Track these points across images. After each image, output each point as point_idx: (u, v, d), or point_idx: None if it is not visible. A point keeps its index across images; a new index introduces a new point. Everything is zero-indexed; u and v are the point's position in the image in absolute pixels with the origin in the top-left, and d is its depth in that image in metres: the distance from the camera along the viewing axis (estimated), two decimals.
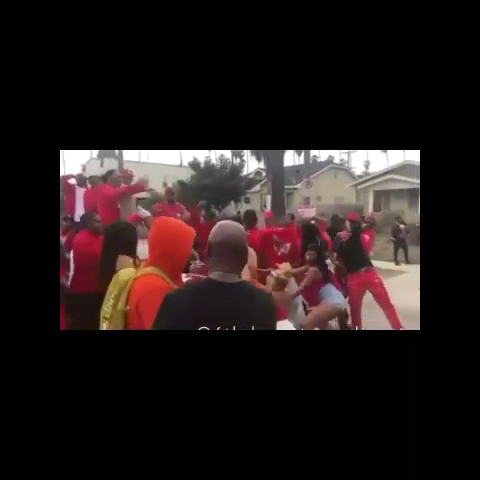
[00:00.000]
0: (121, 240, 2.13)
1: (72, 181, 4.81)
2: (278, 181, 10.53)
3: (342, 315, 3.80)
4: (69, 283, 3.12)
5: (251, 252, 2.77)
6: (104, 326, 1.45)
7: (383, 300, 3.86)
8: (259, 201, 21.21)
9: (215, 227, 1.23)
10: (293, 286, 3.37)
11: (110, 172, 4.46)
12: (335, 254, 4.16)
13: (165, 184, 5.44)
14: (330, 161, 30.44)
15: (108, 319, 1.43)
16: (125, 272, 1.49)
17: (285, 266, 3.02)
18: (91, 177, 4.75)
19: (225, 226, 1.22)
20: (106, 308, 1.45)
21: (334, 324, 3.95)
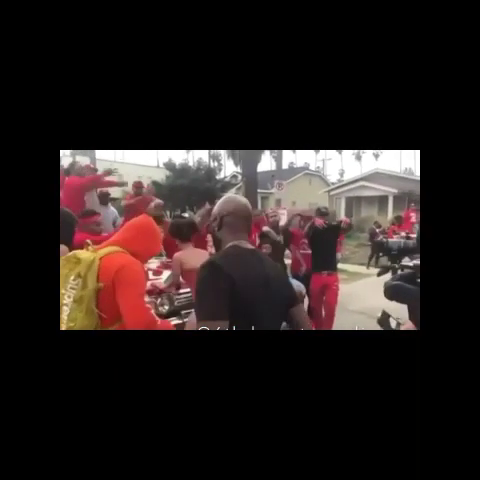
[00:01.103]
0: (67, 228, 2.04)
1: None
2: (252, 184, 10.64)
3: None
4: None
5: (189, 254, 2.76)
6: (67, 308, 1.40)
7: (330, 308, 3.89)
8: None
9: (224, 200, 1.32)
10: None
11: (72, 164, 4.37)
12: (306, 241, 4.16)
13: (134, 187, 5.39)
14: (305, 167, 31.03)
15: (77, 301, 1.40)
16: (84, 252, 1.48)
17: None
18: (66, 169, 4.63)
19: (234, 198, 1.33)
20: (65, 291, 1.41)
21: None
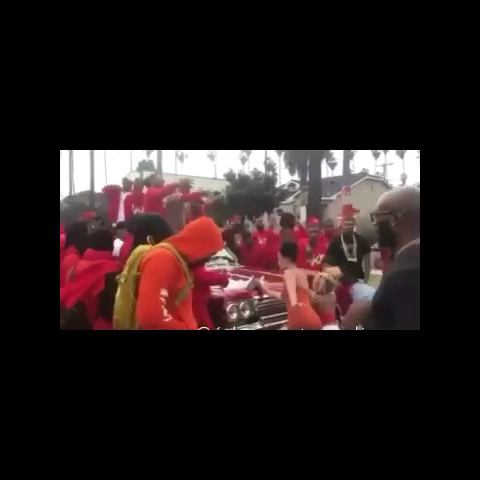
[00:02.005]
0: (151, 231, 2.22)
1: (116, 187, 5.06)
2: (315, 192, 10.50)
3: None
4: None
5: (300, 273, 2.77)
6: (118, 290, 1.63)
7: None
8: (292, 213, 21.06)
9: (404, 193, 1.25)
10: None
11: (152, 176, 4.67)
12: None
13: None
14: (365, 173, 29.86)
15: (122, 284, 1.60)
16: (140, 247, 1.68)
17: (335, 270, 3.01)
18: (136, 179, 5.00)
19: (413, 190, 1.26)
20: (121, 274, 1.65)
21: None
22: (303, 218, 11.34)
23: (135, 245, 2.41)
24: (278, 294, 2.79)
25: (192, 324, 1.63)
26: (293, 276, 2.64)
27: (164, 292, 1.48)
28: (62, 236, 3.22)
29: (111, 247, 2.27)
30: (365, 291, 3.46)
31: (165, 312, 1.47)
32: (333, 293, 3.00)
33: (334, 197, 21.12)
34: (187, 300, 1.64)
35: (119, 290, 1.62)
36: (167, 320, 1.47)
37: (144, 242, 1.93)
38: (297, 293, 2.66)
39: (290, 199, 21.22)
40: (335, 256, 4.01)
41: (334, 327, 2.93)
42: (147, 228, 2.16)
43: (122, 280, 1.60)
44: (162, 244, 1.63)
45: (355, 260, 3.99)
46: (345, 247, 4.01)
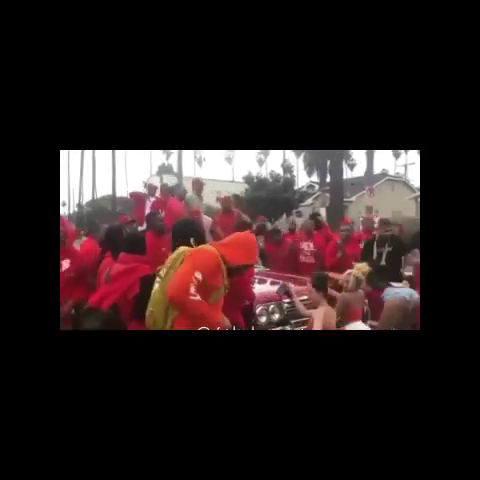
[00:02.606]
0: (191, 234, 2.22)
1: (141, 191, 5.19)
2: (337, 193, 10.37)
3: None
4: None
5: (329, 312, 2.67)
6: (156, 285, 1.65)
7: None
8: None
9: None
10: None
11: (178, 186, 4.76)
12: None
13: (218, 199, 5.66)
14: (385, 174, 29.31)
15: (161, 278, 1.64)
16: (183, 247, 1.72)
17: (363, 266, 2.97)
18: (163, 184, 5.10)
19: None
20: (161, 269, 1.68)
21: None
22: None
23: (173, 246, 2.46)
24: (307, 312, 2.73)
25: (218, 316, 1.64)
26: (321, 316, 2.52)
27: (198, 274, 1.51)
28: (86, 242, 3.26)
29: (144, 251, 2.29)
30: (395, 289, 3.39)
31: (193, 290, 1.49)
32: (361, 291, 2.96)
33: (354, 198, 20.80)
34: (219, 302, 1.67)
35: (157, 284, 1.66)
36: (193, 298, 1.48)
37: (181, 244, 1.95)
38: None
39: (309, 201, 21.05)
40: (366, 260, 3.93)
41: (359, 324, 2.87)
42: (186, 230, 2.20)
43: (162, 273, 1.64)
44: (206, 245, 1.74)
45: (384, 264, 3.90)
46: (375, 251, 3.92)
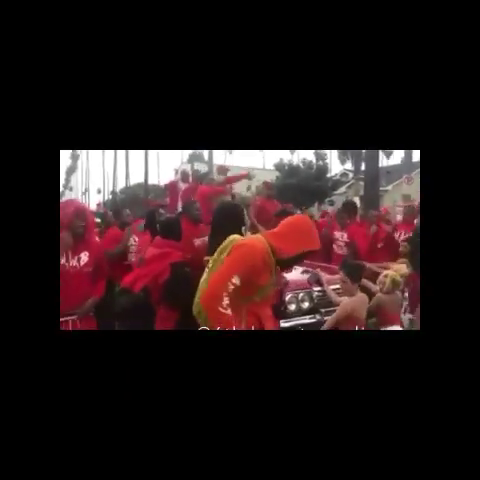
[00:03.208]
0: (234, 219, 2.17)
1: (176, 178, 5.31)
2: (373, 182, 9.99)
3: None
4: None
5: (358, 304, 2.54)
6: (204, 275, 1.60)
7: None
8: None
9: None
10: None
11: (206, 174, 4.84)
12: None
13: (249, 187, 5.65)
14: None
15: (209, 268, 1.58)
16: (234, 235, 1.63)
17: (401, 267, 2.80)
18: (194, 171, 5.18)
19: None
20: (210, 259, 1.63)
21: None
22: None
23: (213, 232, 2.37)
24: (338, 299, 2.64)
25: (268, 323, 1.56)
26: (347, 308, 2.38)
27: (236, 280, 1.42)
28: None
29: (179, 237, 2.31)
30: None
31: (225, 301, 1.40)
32: (398, 293, 2.80)
33: (390, 187, 20.02)
34: (268, 299, 1.60)
35: (205, 274, 1.60)
36: (223, 310, 1.38)
37: (223, 230, 1.89)
38: (348, 322, 2.40)
39: (342, 189, 20.53)
40: (413, 246, 3.69)
41: (396, 329, 2.72)
42: (231, 216, 2.18)
43: (210, 264, 1.59)
44: (256, 236, 1.61)
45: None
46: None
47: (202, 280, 1.60)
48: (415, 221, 4.12)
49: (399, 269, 2.83)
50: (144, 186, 15.86)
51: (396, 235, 4.09)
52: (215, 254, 1.59)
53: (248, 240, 1.57)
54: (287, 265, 1.65)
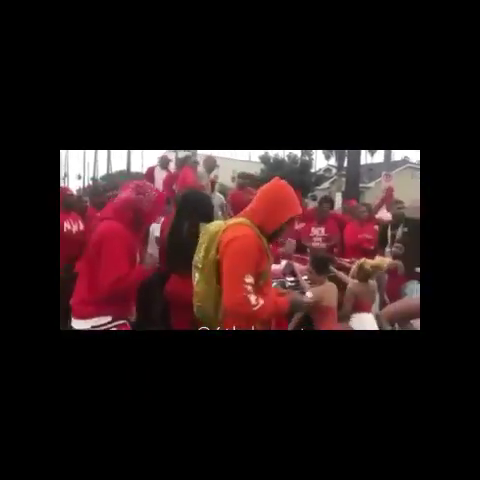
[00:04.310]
0: (199, 209, 2.18)
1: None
2: (354, 178, 10.16)
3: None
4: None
5: (327, 292, 2.61)
6: (196, 275, 1.49)
7: None
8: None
9: None
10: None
11: (190, 157, 4.75)
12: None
13: (233, 178, 5.61)
14: (406, 161, 28.48)
15: (200, 269, 1.46)
16: (215, 224, 1.51)
17: (381, 260, 2.88)
18: (178, 158, 5.09)
19: None
20: (197, 258, 1.49)
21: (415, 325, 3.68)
22: (338, 204, 11.03)
23: (178, 221, 2.34)
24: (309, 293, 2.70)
25: (278, 298, 1.52)
26: (318, 293, 2.45)
27: (249, 278, 1.35)
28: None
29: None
30: (417, 286, 3.31)
31: (253, 299, 1.35)
32: (373, 282, 2.89)
33: (372, 184, 20.34)
34: (269, 277, 1.54)
35: (197, 275, 1.48)
36: (257, 308, 1.35)
37: (188, 219, 1.90)
38: (319, 310, 2.47)
39: (325, 184, 20.71)
40: (382, 244, 3.71)
41: (367, 316, 2.82)
42: (198, 206, 2.17)
43: (199, 266, 1.46)
44: (240, 220, 1.46)
45: (400, 247, 3.68)
46: (389, 234, 3.72)
47: (197, 281, 1.48)
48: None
49: (378, 260, 2.92)
50: (126, 173, 15.56)
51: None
52: (200, 252, 1.47)
53: (239, 231, 1.41)
54: (274, 238, 1.54)
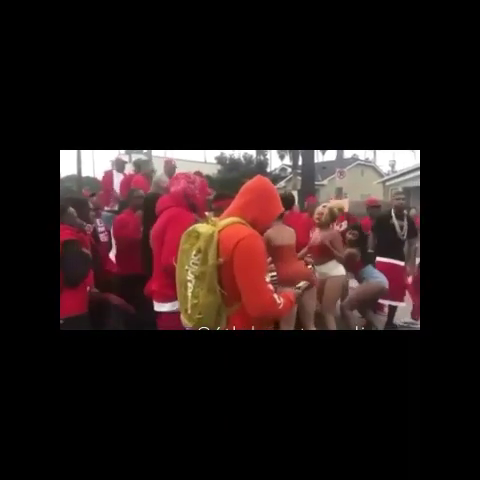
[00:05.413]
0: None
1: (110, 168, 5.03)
2: (309, 176, 10.46)
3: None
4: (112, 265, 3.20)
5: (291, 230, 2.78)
6: (189, 285, 1.34)
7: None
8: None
9: None
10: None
11: (147, 163, 4.65)
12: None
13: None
14: (356, 158, 29.90)
15: (198, 277, 1.32)
16: (204, 226, 1.36)
17: (342, 203, 3.04)
18: (135, 161, 4.95)
19: None
20: (189, 265, 1.33)
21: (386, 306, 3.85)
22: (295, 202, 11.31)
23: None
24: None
25: (285, 293, 1.46)
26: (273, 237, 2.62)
27: (269, 278, 1.33)
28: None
29: (64, 219, 2.20)
30: (375, 274, 3.44)
31: (277, 298, 1.33)
32: (336, 228, 3.06)
33: (326, 182, 21.12)
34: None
35: (195, 285, 1.33)
36: (281, 306, 1.33)
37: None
38: (273, 253, 2.60)
39: (282, 184, 21.17)
40: (383, 232, 3.75)
41: (334, 264, 3.03)
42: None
43: (197, 273, 1.32)
44: (232, 220, 1.36)
45: (403, 239, 3.79)
46: (397, 223, 3.77)
47: (195, 292, 1.32)
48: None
49: (338, 204, 3.12)
50: (77, 179, 14.78)
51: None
52: (191, 258, 1.33)
53: (240, 232, 1.31)
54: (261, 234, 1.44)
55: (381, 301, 3.75)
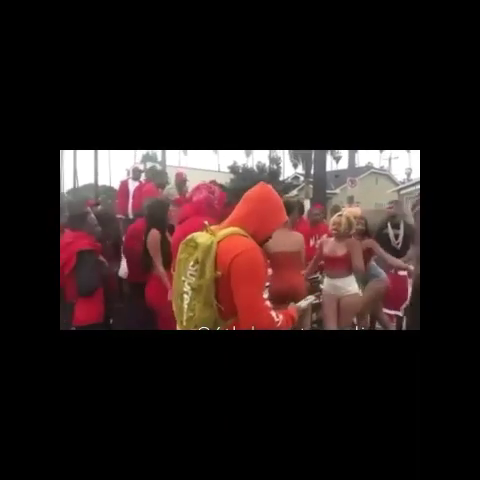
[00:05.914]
0: (154, 216, 2.53)
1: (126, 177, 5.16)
2: (320, 185, 10.46)
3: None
4: (126, 273, 3.27)
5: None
6: (185, 297, 1.29)
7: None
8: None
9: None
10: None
11: (161, 173, 4.76)
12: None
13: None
14: (370, 167, 29.65)
15: (195, 290, 1.26)
16: (202, 235, 1.30)
17: (356, 210, 2.95)
18: (148, 169, 5.08)
19: None
20: (186, 277, 1.28)
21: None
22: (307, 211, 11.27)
23: (148, 228, 2.63)
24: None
25: (286, 310, 1.45)
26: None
27: (266, 294, 1.32)
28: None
29: (84, 226, 2.21)
30: (377, 271, 3.40)
31: (274, 315, 1.30)
32: (354, 238, 2.93)
33: (338, 190, 21.00)
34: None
35: (192, 297, 1.28)
36: (279, 324, 1.30)
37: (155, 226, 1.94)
38: (272, 259, 2.54)
39: (294, 192, 21.14)
40: (379, 242, 3.73)
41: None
42: (160, 213, 2.45)
43: (194, 286, 1.27)
44: (232, 230, 1.30)
45: (399, 248, 3.69)
46: (392, 232, 3.71)
47: (189, 307, 1.28)
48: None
49: (353, 211, 3.01)
50: (94, 188, 15.13)
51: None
52: (188, 269, 1.28)
53: (240, 244, 1.27)
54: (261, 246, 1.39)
55: (386, 311, 3.71)
